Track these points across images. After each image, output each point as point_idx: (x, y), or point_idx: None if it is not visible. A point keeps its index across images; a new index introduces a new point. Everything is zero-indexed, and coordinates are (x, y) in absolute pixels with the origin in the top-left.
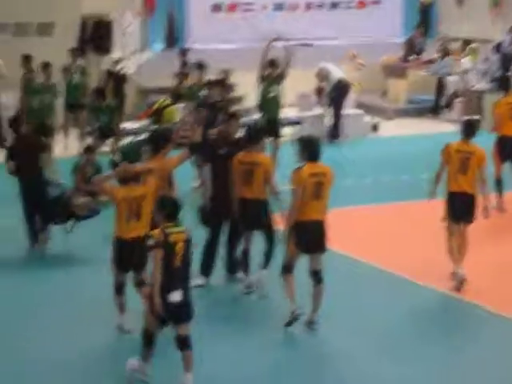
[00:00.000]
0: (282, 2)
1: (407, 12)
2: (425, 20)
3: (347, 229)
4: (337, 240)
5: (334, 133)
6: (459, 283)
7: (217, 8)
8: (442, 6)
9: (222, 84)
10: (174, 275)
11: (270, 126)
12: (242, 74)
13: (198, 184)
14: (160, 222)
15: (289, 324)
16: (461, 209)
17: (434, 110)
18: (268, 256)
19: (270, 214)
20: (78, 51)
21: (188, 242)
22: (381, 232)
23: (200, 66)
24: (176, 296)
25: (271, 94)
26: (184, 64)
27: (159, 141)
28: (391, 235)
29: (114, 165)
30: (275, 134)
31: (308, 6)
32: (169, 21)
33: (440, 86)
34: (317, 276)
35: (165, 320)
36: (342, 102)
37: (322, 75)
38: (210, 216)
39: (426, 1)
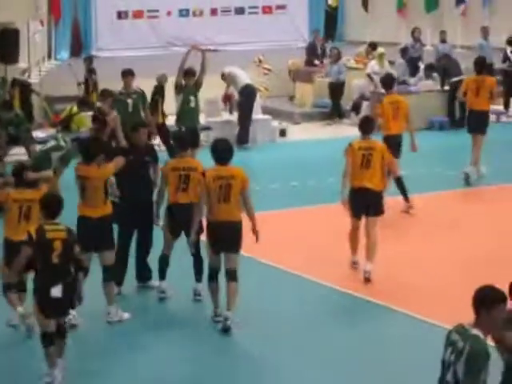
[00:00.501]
0: (187, 7)
1: (313, 16)
2: (331, 24)
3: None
4: (246, 245)
5: (243, 138)
6: (366, 278)
7: (122, 15)
8: (348, 10)
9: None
10: (53, 271)
11: (190, 135)
12: (147, 80)
13: None
14: (43, 219)
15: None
16: (363, 204)
17: (331, 115)
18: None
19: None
20: None
21: (67, 240)
22: (288, 236)
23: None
24: (56, 291)
25: (191, 104)
26: (89, 71)
27: (91, 149)
28: (299, 239)
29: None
30: (195, 143)
31: (214, 12)
32: (74, 29)
33: (333, 91)
34: (230, 275)
35: (52, 315)
36: (249, 107)
37: (229, 79)
38: (123, 222)
39: (332, 5)
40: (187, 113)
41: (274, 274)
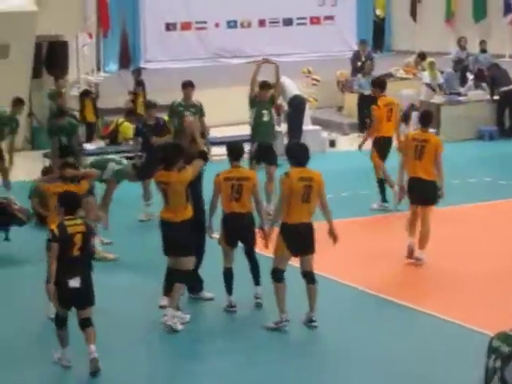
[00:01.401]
0: (235, 19)
1: (361, 27)
2: (379, 34)
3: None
4: None
5: None
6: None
7: (171, 27)
8: (396, 20)
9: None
10: (72, 263)
11: (264, 151)
12: (198, 92)
13: None
14: (61, 215)
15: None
16: (418, 193)
17: (360, 127)
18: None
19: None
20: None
21: (86, 234)
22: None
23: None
24: (74, 282)
25: (264, 118)
26: (138, 83)
27: (171, 155)
28: (356, 249)
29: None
30: (269, 160)
31: (262, 23)
32: (122, 41)
33: (360, 103)
34: (308, 277)
35: (68, 304)
36: (299, 118)
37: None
38: None
39: (380, 15)
40: (260, 127)
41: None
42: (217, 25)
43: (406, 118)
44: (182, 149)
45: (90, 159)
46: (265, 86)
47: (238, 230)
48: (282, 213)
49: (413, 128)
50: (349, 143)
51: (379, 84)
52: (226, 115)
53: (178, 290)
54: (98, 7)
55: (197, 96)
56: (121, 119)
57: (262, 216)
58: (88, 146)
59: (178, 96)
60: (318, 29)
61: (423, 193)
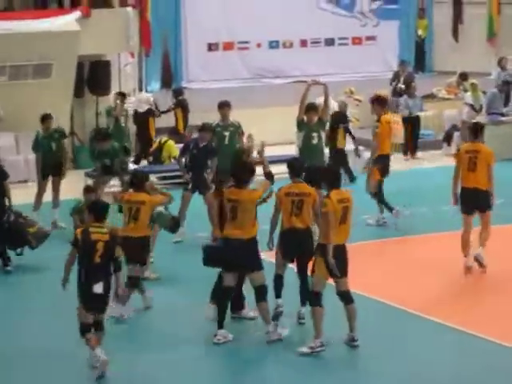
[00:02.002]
0: (277, 39)
1: (403, 47)
2: (420, 55)
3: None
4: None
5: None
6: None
7: (213, 46)
8: (438, 40)
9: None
10: (95, 270)
11: (312, 174)
12: (240, 112)
13: None
14: (88, 221)
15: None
16: (474, 202)
17: (405, 151)
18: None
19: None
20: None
21: (109, 242)
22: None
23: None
24: (98, 288)
25: (313, 141)
26: (178, 103)
27: (243, 173)
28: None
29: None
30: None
31: (303, 43)
32: (164, 60)
33: (409, 126)
34: (344, 297)
35: (93, 309)
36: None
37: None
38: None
39: (422, 35)
40: (309, 150)
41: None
42: (259, 45)
43: (448, 138)
44: (253, 168)
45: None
46: (311, 108)
47: (296, 246)
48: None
49: (455, 148)
50: (392, 163)
51: (379, 101)
52: (267, 135)
53: (264, 307)
54: (140, 26)
55: (238, 116)
56: (164, 138)
57: None
58: (131, 166)
59: (218, 115)
60: (360, 49)
61: (479, 201)
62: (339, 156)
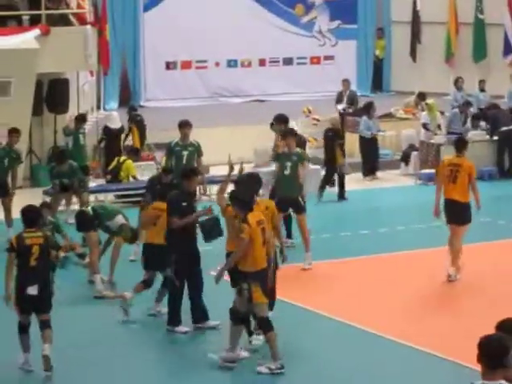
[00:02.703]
0: (236, 58)
1: (361, 67)
2: (378, 75)
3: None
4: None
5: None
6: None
7: (171, 65)
8: (396, 61)
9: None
10: (31, 273)
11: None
12: (198, 131)
13: None
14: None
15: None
16: (451, 213)
17: (365, 172)
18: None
19: None
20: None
21: (43, 245)
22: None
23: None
24: (32, 290)
25: (286, 172)
26: (133, 121)
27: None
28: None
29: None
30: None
31: (262, 62)
32: (123, 79)
33: (363, 146)
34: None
35: (28, 310)
36: None
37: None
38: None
39: (379, 56)
40: (282, 181)
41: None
42: (217, 64)
43: (405, 158)
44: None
45: (99, 204)
46: (289, 133)
47: None
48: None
49: (413, 168)
50: (349, 183)
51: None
52: (225, 154)
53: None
54: (99, 45)
55: (196, 135)
56: (123, 157)
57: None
58: (90, 184)
59: (178, 135)
60: (318, 68)
61: (458, 213)
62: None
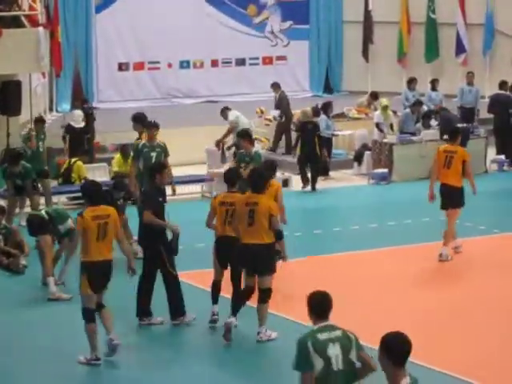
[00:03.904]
0: (188, 59)
1: (314, 67)
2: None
3: None
4: None
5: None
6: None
7: (123, 67)
8: (348, 61)
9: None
10: None
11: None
12: None
13: None
14: None
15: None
16: (445, 197)
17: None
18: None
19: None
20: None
21: None
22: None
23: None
24: None
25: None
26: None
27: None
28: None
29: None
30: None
31: (214, 63)
32: (75, 81)
33: (325, 146)
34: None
35: None
36: None
37: (232, 127)
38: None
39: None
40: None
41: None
42: (170, 65)
43: (358, 157)
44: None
45: (51, 208)
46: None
47: (228, 253)
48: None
49: (366, 168)
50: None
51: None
52: (178, 155)
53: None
54: (51, 47)
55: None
56: (74, 159)
57: None
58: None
59: (130, 136)
60: (271, 69)
61: (452, 197)
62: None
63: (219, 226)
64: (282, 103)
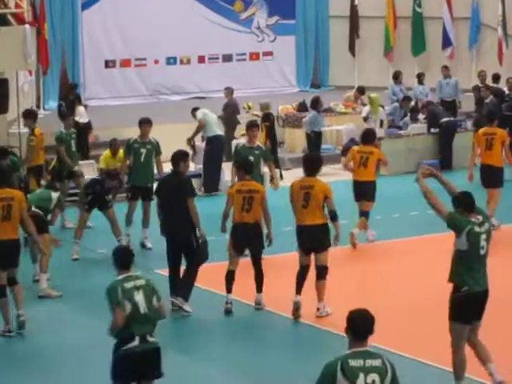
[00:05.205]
0: (175, 55)
1: (301, 63)
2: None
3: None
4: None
5: (209, 186)
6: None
7: (110, 64)
8: (334, 55)
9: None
10: None
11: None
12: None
13: None
14: None
15: None
16: (487, 177)
17: None
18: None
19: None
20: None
21: None
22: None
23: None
24: None
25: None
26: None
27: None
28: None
29: None
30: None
31: (201, 59)
32: (62, 78)
33: (311, 141)
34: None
35: None
36: (218, 156)
37: (201, 124)
38: None
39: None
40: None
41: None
42: (156, 61)
43: (346, 152)
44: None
45: (34, 194)
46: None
47: (246, 239)
48: None
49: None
50: (291, 178)
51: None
52: (166, 152)
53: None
54: (38, 44)
55: (137, 132)
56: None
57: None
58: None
59: (118, 133)
60: (258, 64)
61: (493, 177)
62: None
63: (237, 213)
64: (227, 109)
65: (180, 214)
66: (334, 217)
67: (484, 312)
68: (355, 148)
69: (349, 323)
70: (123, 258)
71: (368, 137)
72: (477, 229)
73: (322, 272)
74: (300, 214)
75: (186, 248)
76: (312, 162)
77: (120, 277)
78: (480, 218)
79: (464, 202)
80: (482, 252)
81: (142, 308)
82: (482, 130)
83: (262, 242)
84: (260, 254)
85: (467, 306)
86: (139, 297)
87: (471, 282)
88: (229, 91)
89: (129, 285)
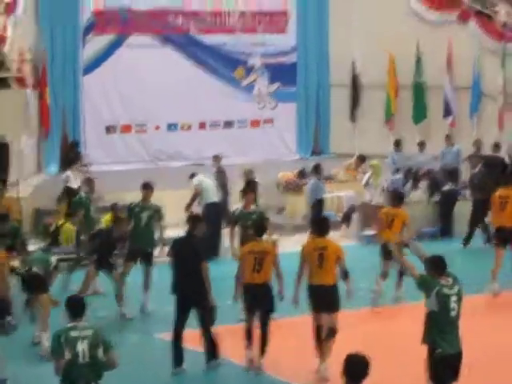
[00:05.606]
0: (176, 122)
1: (301, 129)
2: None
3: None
4: None
5: (210, 252)
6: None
7: (111, 129)
8: (335, 123)
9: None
10: None
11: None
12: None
13: None
14: None
15: None
16: (501, 237)
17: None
18: None
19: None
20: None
21: None
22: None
23: None
24: None
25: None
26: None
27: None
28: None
29: None
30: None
31: (202, 126)
32: (63, 143)
33: (314, 208)
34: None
35: None
36: (217, 223)
37: (197, 191)
38: None
39: None
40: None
41: None
42: (157, 127)
43: (346, 219)
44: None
45: (34, 255)
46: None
47: (257, 300)
48: None
49: (355, 229)
50: (293, 244)
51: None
52: (166, 217)
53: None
54: (40, 108)
55: (137, 197)
56: (60, 221)
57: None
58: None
59: (119, 197)
60: (259, 131)
61: (507, 237)
62: None
63: (247, 274)
64: (220, 176)
65: (193, 276)
66: (346, 275)
67: (459, 373)
68: (383, 210)
69: (345, 366)
70: (74, 307)
71: (395, 199)
72: (446, 290)
73: (330, 333)
74: (315, 275)
75: (197, 307)
76: (323, 223)
77: (68, 325)
78: (450, 280)
79: (434, 264)
80: (453, 314)
81: (82, 358)
82: (497, 193)
83: (271, 303)
84: (268, 317)
85: (442, 368)
86: (82, 347)
87: (444, 344)
88: (218, 158)
89: (74, 334)
